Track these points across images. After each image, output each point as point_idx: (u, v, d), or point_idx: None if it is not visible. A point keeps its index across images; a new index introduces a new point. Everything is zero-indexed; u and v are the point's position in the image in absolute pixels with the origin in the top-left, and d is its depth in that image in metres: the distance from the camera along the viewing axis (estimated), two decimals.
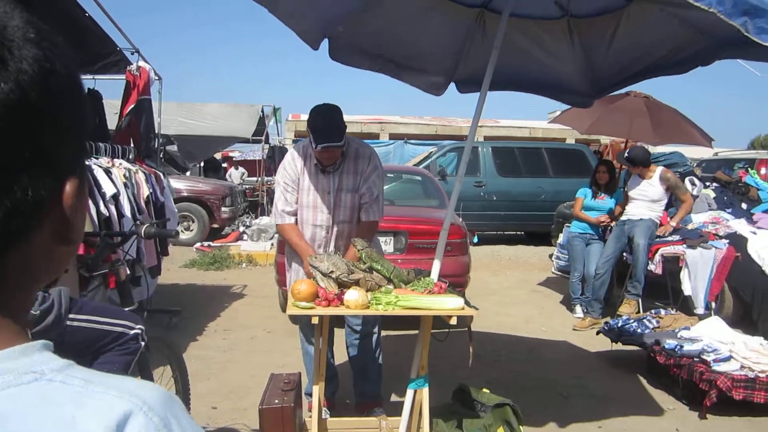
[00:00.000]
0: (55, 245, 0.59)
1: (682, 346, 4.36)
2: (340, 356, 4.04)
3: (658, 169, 6.38)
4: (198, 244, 10.55)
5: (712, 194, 7.23)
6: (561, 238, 8.06)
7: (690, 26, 2.80)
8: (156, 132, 6.59)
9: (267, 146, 16.00)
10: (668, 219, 6.54)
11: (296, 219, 3.47)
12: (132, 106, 5.73)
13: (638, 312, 5.95)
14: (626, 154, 6.55)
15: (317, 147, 3.21)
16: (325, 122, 3.25)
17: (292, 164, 3.44)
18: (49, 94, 0.54)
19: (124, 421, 0.52)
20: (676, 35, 2.96)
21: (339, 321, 3.99)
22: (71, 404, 0.51)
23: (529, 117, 20.46)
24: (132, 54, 6.01)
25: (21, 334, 0.56)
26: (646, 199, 6.30)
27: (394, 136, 19.16)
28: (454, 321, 2.71)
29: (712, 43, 2.85)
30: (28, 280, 0.58)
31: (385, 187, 5.98)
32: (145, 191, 5.07)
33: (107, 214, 4.17)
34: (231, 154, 22.49)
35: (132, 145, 5.63)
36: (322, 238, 3.47)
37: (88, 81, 6.07)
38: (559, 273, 8.14)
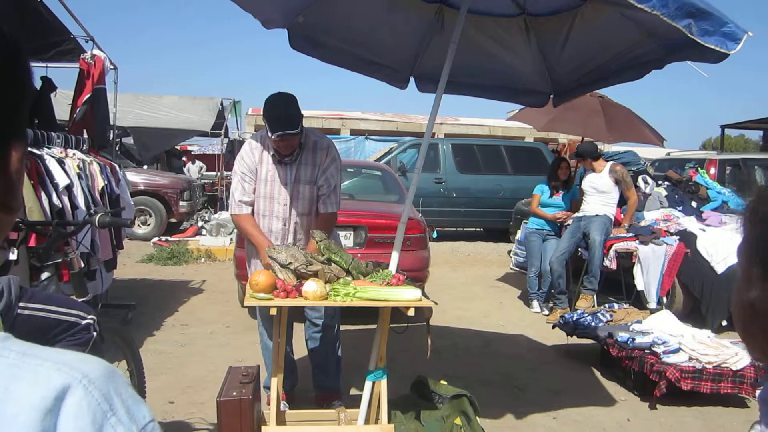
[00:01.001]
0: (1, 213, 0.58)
1: (633, 339, 4.48)
2: (300, 350, 4.03)
3: (609, 163, 6.58)
4: (155, 239, 10.36)
5: (664, 192, 7.43)
6: (519, 235, 8.19)
7: (640, 27, 2.88)
8: (111, 123, 6.45)
9: (226, 140, 15.81)
10: (621, 215, 6.72)
11: (253, 210, 3.44)
12: (88, 95, 5.59)
13: (594, 306, 6.10)
14: (576, 150, 6.73)
15: (273, 135, 3.18)
16: (281, 110, 3.22)
17: (250, 154, 3.41)
18: None
19: (62, 394, 0.50)
20: (627, 36, 3.04)
21: (299, 315, 3.98)
22: (5, 376, 0.50)
23: (489, 115, 20.65)
24: (87, 42, 5.87)
25: None
26: (596, 191, 6.46)
27: (354, 132, 19.15)
28: (411, 312, 2.73)
29: (661, 44, 2.93)
30: None
31: (345, 182, 6.00)
32: (100, 183, 4.95)
33: (60, 206, 4.06)
34: (189, 148, 22.12)
35: (86, 135, 5.49)
36: (279, 230, 3.44)
37: (40, 69, 5.90)
38: (518, 269, 8.28)
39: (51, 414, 0.49)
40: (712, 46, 2.40)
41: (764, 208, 0.76)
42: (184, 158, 18.84)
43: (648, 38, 2.93)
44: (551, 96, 3.88)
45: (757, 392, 0.77)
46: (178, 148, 18.23)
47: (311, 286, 2.68)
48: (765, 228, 0.76)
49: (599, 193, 6.46)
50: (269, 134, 3.23)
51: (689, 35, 2.35)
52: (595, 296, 6.37)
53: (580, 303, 6.24)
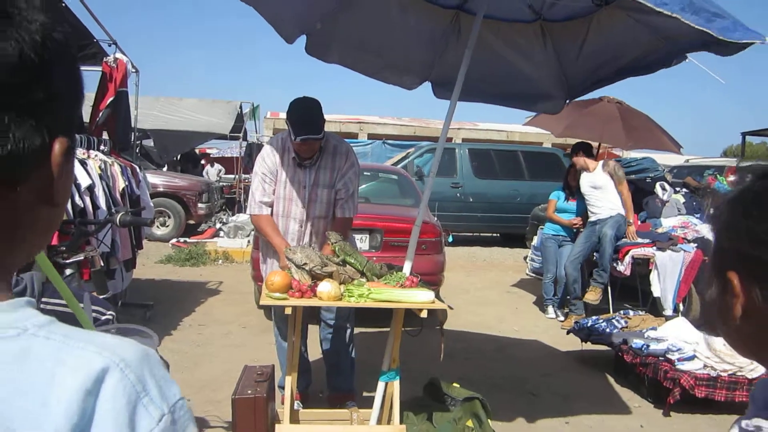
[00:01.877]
0: (40, 205, 0.61)
1: (648, 346, 4.46)
2: (315, 352, 4.07)
3: (601, 161, 6.51)
4: (174, 240, 10.49)
5: (682, 199, 7.37)
6: (535, 241, 8.17)
7: (656, 32, 2.89)
8: (132, 125, 6.56)
9: (245, 143, 15.94)
10: (638, 221, 6.69)
11: (272, 211, 3.49)
12: (111, 98, 5.69)
13: (603, 300, 6.17)
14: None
15: (296, 139, 3.23)
16: (305, 115, 3.27)
17: (271, 156, 3.46)
18: (45, 57, 0.58)
19: (101, 376, 0.54)
20: (643, 40, 3.05)
21: (313, 317, 4.02)
22: (52, 360, 0.54)
23: (507, 121, 20.55)
24: (109, 46, 5.97)
25: (5, 291, 0.59)
26: (594, 189, 6.35)
27: (372, 136, 19.19)
28: (424, 314, 2.76)
29: (675, 47, 2.94)
30: (12, 239, 0.61)
31: (362, 186, 6.04)
32: (121, 184, 5.05)
33: (82, 206, 4.16)
34: (208, 151, 22.32)
35: (107, 137, 5.60)
36: (296, 232, 3.49)
37: None
38: (533, 275, 8.25)
39: (91, 395, 0.53)
40: (746, 41, 2.34)
41: (723, 215, 0.79)
42: (203, 161, 19.02)
43: (663, 41, 2.93)
44: (566, 101, 3.90)
45: None
46: (196, 151, 18.40)
47: (326, 287, 2.72)
48: (719, 234, 0.79)
49: (598, 190, 6.35)
50: (292, 137, 3.27)
51: (714, 35, 2.32)
52: (607, 290, 6.35)
53: (588, 295, 6.23)
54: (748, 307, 0.73)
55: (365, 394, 4.11)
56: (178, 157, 15.98)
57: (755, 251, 0.72)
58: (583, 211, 6.66)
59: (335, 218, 3.51)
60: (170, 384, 0.60)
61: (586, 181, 6.45)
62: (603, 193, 6.36)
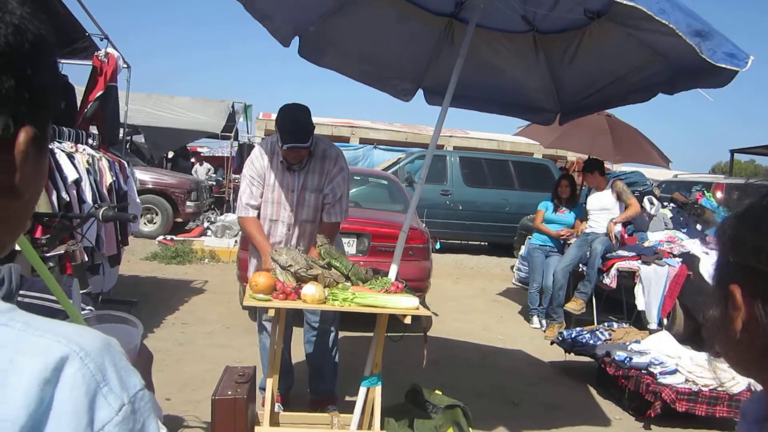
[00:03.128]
0: (2, 197, 0.60)
1: (631, 358, 4.48)
2: (298, 355, 4.06)
3: (610, 181, 6.67)
4: (160, 237, 10.42)
5: (669, 214, 7.42)
6: (523, 250, 8.19)
7: (647, 47, 2.91)
8: (122, 121, 6.52)
9: (236, 143, 15.89)
10: (626, 234, 6.73)
11: (260, 214, 3.49)
12: (100, 92, 5.65)
13: (585, 312, 6.25)
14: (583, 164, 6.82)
15: (284, 146, 3.25)
16: (294, 122, 3.28)
17: (260, 159, 3.46)
18: (18, 46, 0.58)
19: (60, 365, 0.53)
20: (634, 55, 3.07)
21: (299, 319, 4.00)
22: (11, 347, 0.53)
23: (498, 130, 20.63)
24: (101, 40, 5.93)
25: None
26: (601, 209, 6.55)
27: (364, 141, 19.18)
28: (408, 320, 2.75)
29: (669, 66, 2.95)
30: None
31: (351, 190, 6.04)
32: (108, 179, 5.01)
33: (68, 199, 4.11)
34: (199, 150, 22.23)
35: (96, 131, 5.55)
36: (283, 235, 3.49)
37: None
38: (520, 284, 8.27)
39: (49, 384, 0.52)
40: (723, 65, 2.41)
41: (729, 230, 0.80)
42: (192, 159, 18.93)
43: (654, 60, 2.95)
44: (558, 115, 3.91)
45: None
46: (188, 148, 18.32)
47: (310, 290, 2.71)
48: (724, 249, 0.81)
49: (604, 211, 6.53)
50: (279, 144, 3.28)
51: (700, 54, 2.36)
52: (592, 301, 6.42)
53: (570, 304, 6.30)
54: (749, 322, 0.74)
55: (347, 398, 4.09)
56: (171, 154, 15.91)
57: (760, 265, 0.72)
58: (570, 223, 6.70)
59: (322, 223, 3.51)
60: (131, 374, 0.60)
61: (595, 201, 6.62)
62: (607, 213, 6.53)
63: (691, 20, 2.36)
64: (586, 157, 8.36)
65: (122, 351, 0.61)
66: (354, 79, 3.84)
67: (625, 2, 2.26)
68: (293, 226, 3.49)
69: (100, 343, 0.58)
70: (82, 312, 1.97)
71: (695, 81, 2.87)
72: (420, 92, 4.03)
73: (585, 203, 6.83)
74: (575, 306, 6.25)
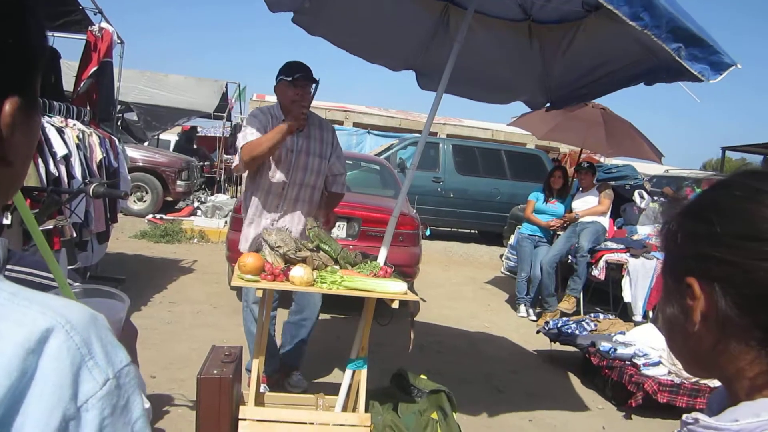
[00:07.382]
0: None
1: (615, 350, 4.52)
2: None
3: (597, 184, 6.93)
4: (150, 216, 10.37)
5: (659, 209, 7.47)
6: (512, 240, 8.23)
7: (639, 44, 2.90)
8: (115, 97, 6.46)
9: (229, 124, 15.79)
10: (614, 228, 6.79)
11: (256, 179, 3.51)
12: (95, 68, 5.59)
13: (576, 309, 6.30)
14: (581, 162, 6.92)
15: (296, 76, 3.34)
16: (300, 63, 3.45)
17: (260, 115, 3.48)
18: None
19: (45, 336, 0.53)
20: (628, 51, 3.06)
21: (286, 301, 4.01)
22: None
23: (492, 119, 20.66)
24: (95, 14, 5.86)
25: None
26: (584, 203, 6.76)
27: (357, 125, 19.14)
28: (396, 305, 2.76)
29: (658, 63, 2.95)
30: None
31: None
32: (98, 155, 4.97)
33: (57, 174, 4.08)
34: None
35: (88, 107, 5.50)
36: (278, 194, 3.49)
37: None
38: (508, 273, 8.33)
39: (33, 354, 0.52)
40: (695, 72, 2.46)
41: (677, 227, 0.82)
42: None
43: (648, 55, 2.95)
44: (547, 104, 3.92)
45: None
46: (194, 133, 18.12)
47: (298, 272, 2.71)
48: (671, 241, 0.82)
49: (588, 204, 6.75)
50: (287, 79, 3.37)
51: (677, 59, 2.40)
52: (580, 298, 6.49)
53: (563, 304, 6.38)
54: (707, 312, 0.75)
55: (332, 380, 4.11)
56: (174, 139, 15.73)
57: (714, 251, 0.74)
58: (560, 214, 6.74)
59: (330, 193, 3.63)
60: (117, 349, 0.59)
61: (581, 198, 6.81)
62: (591, 205, 6.73)
63: (679, 23, 2.37)
64: (578, 149, 8.40)
65: (108, 326, 0.60)
66: (346, 51, 3.85)
67: (605, 4, 2.31)
68: (288, 186, 3.48)
69: (86, 316, 0.58)
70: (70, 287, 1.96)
71: (677, 76, 2.87)
72: (414, 76, 4.03)
73: (574, 195, 6.89)
74: (567, 305, 6.34)
